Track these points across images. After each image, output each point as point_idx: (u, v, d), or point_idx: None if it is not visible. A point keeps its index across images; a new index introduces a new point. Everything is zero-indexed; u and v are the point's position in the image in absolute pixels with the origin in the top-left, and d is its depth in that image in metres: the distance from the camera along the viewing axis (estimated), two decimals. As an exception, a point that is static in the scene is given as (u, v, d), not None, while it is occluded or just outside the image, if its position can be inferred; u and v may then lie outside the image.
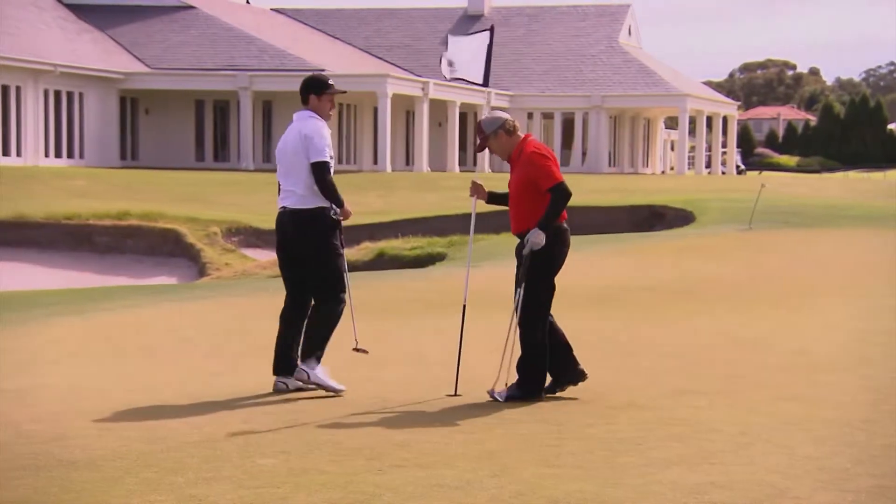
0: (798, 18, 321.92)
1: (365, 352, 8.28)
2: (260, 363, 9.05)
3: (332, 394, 7.71)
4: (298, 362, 7.79)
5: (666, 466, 5.93)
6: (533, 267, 7.50)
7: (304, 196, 7.88)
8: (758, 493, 5.48)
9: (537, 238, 7.39)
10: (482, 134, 7.67)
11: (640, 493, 5.48)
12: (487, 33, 8.60)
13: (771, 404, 7.38)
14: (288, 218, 7.92)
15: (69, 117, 41.51)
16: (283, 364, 7.91)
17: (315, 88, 7.94)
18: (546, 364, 7.62)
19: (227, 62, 45.70)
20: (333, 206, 7.83)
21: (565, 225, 7.60)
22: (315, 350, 7.78)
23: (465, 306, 8.05)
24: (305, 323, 7.93)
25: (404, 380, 8.31)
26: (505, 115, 7.77)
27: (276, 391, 7.88)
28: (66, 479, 5.78)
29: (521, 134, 7.73)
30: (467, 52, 8.59)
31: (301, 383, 7.76)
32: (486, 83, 8.46)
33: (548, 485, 5.62)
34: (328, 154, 7.87)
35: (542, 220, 7.41)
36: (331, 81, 8.03)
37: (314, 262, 7.84)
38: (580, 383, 7.74)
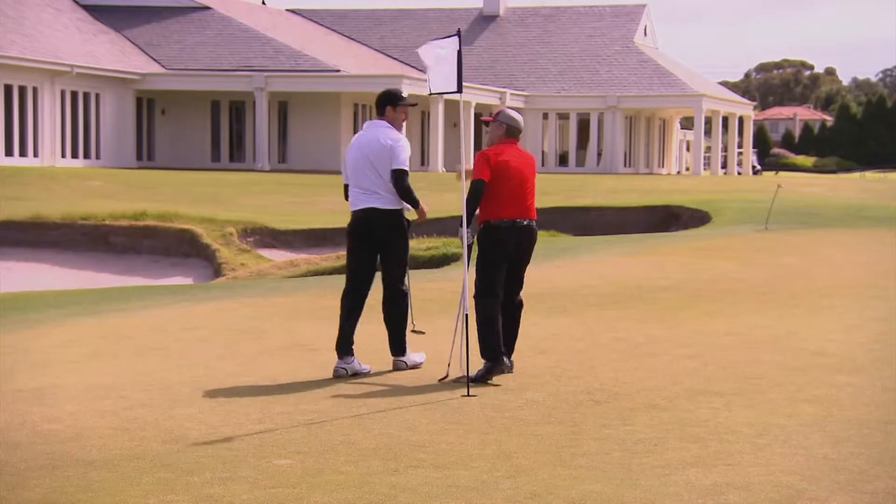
0: (814, 18, 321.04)
1: (422, 332, 9.03)
2: (276, 363, 9.06)
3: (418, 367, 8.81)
4: (394, 356, 8.84)
5: (683, 467, 5.91)
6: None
7: (385, 198, 8.66)
8: (775, 494, 5.45)
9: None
10: (495, 119, 8.69)
11: (657, 494, 5.46)
12: (455, 38, 8.42)
13: (789, 405, 7.35)
14: (370, 217, 8.69)
15: (86, 118, 41.64)
16: (345, 347, 8.65)
17: (392, 101, 8.76)
18: (488, 331, 8.41)
19: (243, 63, 45.79)
20: (408, 207, 8.74)
21: (494, 223, 8.48)
22: (403, 341, 8.85)
23: (466, 315, 8.31)
24: (390, 321, 8.88)
25: (420, 379, 8.31)
26: (517, 123, 8.72)
27: (336, 376, 8.49)
28: (84, 479, 5.79)
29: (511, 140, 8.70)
30: (440, 62, 8.46)
31: (357, 369, 8.58)
32: (459, 89, 8.32)
33: (564, 485, 5.60)
34: (407, 162, 8.72)
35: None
36: (405, 94, 8.90)
37: (390, 256, 8.78)
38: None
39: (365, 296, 8.90)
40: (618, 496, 5.43)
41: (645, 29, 57.79)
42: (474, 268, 8.58)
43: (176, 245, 23.90)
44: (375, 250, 8.83)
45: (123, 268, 23.24)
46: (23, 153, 38.61)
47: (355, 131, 46.47)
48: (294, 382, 8.24)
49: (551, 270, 12.89)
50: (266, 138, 44.53)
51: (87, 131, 41.73)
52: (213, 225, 24.33)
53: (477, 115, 50.71)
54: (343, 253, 21.90)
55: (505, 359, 8.44)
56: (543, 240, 17.92)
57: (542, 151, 51.82)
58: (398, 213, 8.73)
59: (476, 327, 8.39)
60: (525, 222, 8.56)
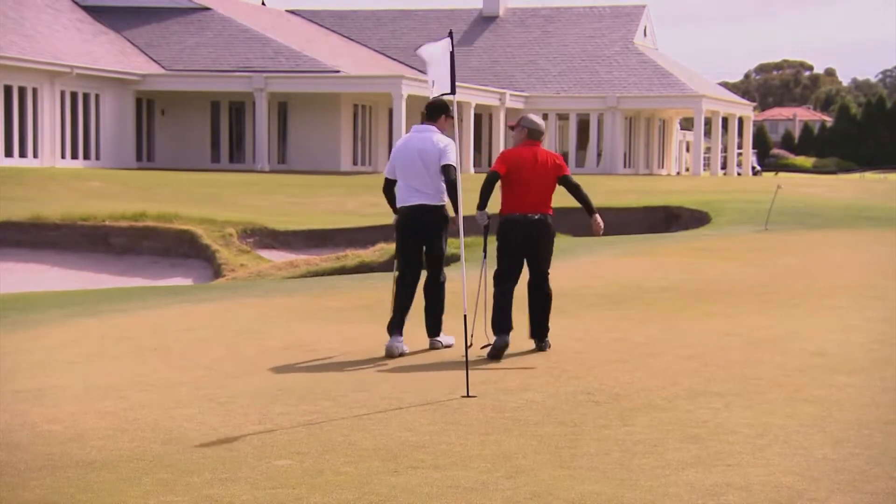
0: (814, 19, 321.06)
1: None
2: (275, 364, 9.06)
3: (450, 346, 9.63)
4: (430, 337, 9.70)
5: (682, 468, 5.91)
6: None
7: (431, 195, 9.56)
8: (775, 495, 5.46)
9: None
10: (518, 124, 9.66)
11: (657, 494, 5.47)
12: (448, 40, 8.49)
13: (788, 406, 7.35)
14: (418, 212, 9.56)
15: (85, 119, 41.65)
16: (398, 325, 9.47)
17: (448, 111, 9.75)
18: (497, 310, 9.35)
19: (243, 63, 45.79)
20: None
21: (507, 216, 9.43)
22: (439, 324, 9.73)
23: (465, 315, 8.49)
24: (429, 305, 9.68)
25: (419, 380, 8.31)
26: (537, 126, 9.66)
27: (388, 354, 9.24)
28: (83, 480, 5.79)
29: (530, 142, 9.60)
30: (435, 66, 8.51)
31: (402, 349, 9.35)
32: (453, 91, 8.44)
33: (564, 486, 5.60)
34: (456, 161, 9.55)
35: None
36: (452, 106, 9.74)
37: (435, 245, 9.67)
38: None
39: (416, 283, 9.73)
40: (617, 497, 5.43)
41: (645, 30, 57.79)
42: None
43: (176, 246, 23.90)
44: (421, 242, 9.68)
45: (123, 268, 23.24)
46: (22, 154, 38.61)
47: (355, 132, 46.67)
48: (294, 383, 8.24)
49: (551, 271, 12.88)
50: (266, 139, 44.52)
51: (86, 132, 41.73)
52: (212, 226, 24.33)
53: (477, 116, 50.74)
54: (343, 254, 21.92)
55: (506, 336, 9.20)
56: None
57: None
58: (442, 209, 9.61)
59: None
60: (536, 216, 9.40)
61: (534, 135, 9.62)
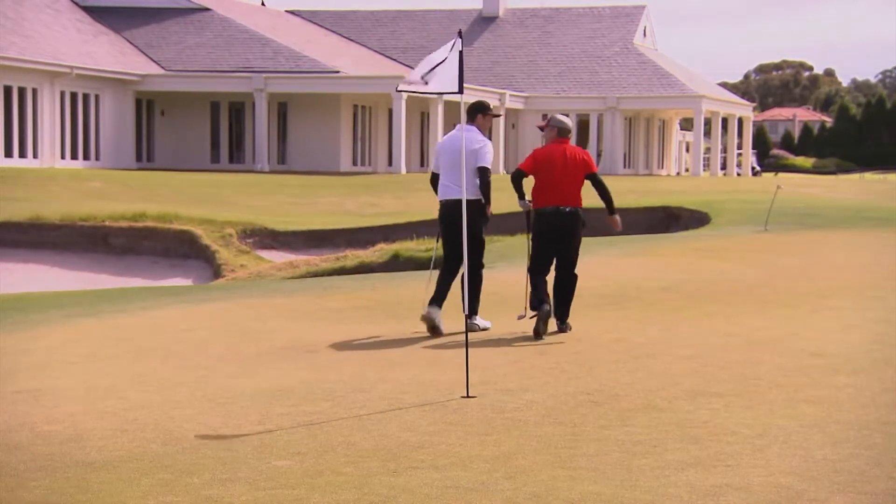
0: (813, 19, 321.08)
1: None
2: (275, 364, 9.06)
3: (487, 329, 10.50)
4: (468, 319, 10.04)
5: (682, 468, 5.91)
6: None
7: (471, 190, 10.27)
8: (774, 495, 5.46)
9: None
10: (547, 124, 10.51)
11: (656, 495, 5.47)
12: (458, 40, 8.51)
13: (788, 406, 7.35)
14: (456, 205, 10.11)
15: (85, 119, 41.66)
16: (440, 300, 10.45)
17: (483, 110, 10.64)
18: (534, 290, 10.29)
19: (243, 64, 45.80)
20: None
21: (540, 209, 10.38)
22: (477, 306, 10.57)
23: (465, 315, 9.14)
24: (468, 290, 10.24)
25: (419, 381, 8.31)
26: (564, 125, 10.56)
27: (426, 319, 10.24)
28: (83, 480, 5.79)
29: (557, 140, 10.50)
30: (443, 64, 8.52)
31: (439, 322, 10.29)
32: (460, 90, 8.48)
33: (563, 487, 5.60)
34: (491, 162, 10.53)
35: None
36: (491, 106, 10.85)
37: (472, 237, 10.15)
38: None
39: (459, 268, 10.57)
40: (617, 497, 5.43)
41: (644, 30, 57.80)
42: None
43: (175, 246, 23.90)
44: (460, 232, 10.07)
45: (123, 269, 23.25)
46: (22, 154, 38.62)
47: (355, 132, 46.66)
48: (293, 383, 8.23)
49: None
50: (265, 139, 44.53)
51: (86, 132, 41.74)
52: (212, 226, 24.33)
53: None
54: (342, 254, 21.93)
55: (545, 306, 10.12)
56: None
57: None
58: (479, 203, 10.39)
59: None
60: (567, 209, 10.31)
61: (563, 133, 10.49)
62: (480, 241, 10.61)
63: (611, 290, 13.34)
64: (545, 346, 9.70)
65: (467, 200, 10.01)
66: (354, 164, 46.43)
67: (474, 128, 10.56)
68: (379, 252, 21.56)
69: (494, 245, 19.01)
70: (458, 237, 10.08)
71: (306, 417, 7.14)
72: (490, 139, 10.66)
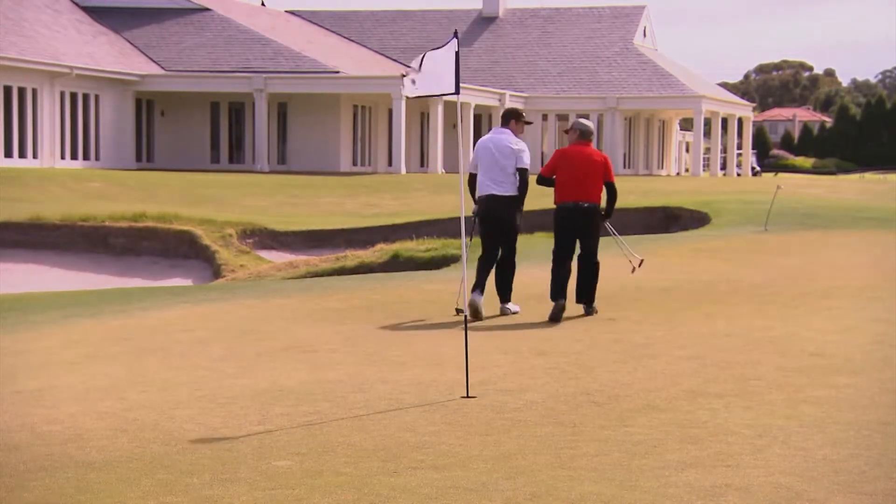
0: (813, 20, 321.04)
1: (460, 311, 11.25)
2: (275, 364, 9.06)
3: (516, 313, 11.57)
4: (501, 304, 11.63)
5: (682, 469, 5.91)
6: None
7: (506, 187, 11.44)
8: (774, 496, 5.46)
9: None
10: (571, 128, 11.60)
11: (656, 495, 5.47)
12: (454, 40, 8.52)
13: (788, 406, 7.35)
14: (497, 201, 11.44)
15: (85, 119, 41.64)
16: (481, 285, 11.39)
17: (517, 117, 11.82)
18: (554, 280, 11.39)
19: (243, 64, 45.79)
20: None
21: (561, 204, 11.40)
22: (509, 292, 11.71)
23: (466, 316, 8.99)
24: (500, 277, 11.60)
25: (419, 381, 8.31)
26: (586, 127, 11.60)
27: (471, 306, 11.06)
28: (83, 480, 5.79)
29: (579, 141, 11.53)
30: (439, 65, 8.52)
31: (479, 307, 11.22)
32: (457, 91, 8.48)
33: (563, 487, 5.60)
34: (528, 162, 11.61)
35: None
36: (524, 113, 12.14)
37: (510, 228, 11.54)
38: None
39: (495, 257, 11.63)
40: (617, 497, 5.43)
41: (644, 30, 57.79)
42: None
43: (175, 246, 23.90)
44: (497, 224, 11.55)
45: (123, 269, 23.24)
46: (22, 154, 38.60)
47: (354, 133, 46.66)
48: (293, 384, 8.23)
49: (546, 274, 12.93)
50: (265, 140, 44.52)
51: (86, 132, 41.72)
52: (212, 226, 24.33)
53: (476, 117, 50.76)
54: (342, 255, 21.91)
55: (562, 300, 11.15)
56: (542, 241, 17.93)
57: (542, 152, 51.77)
58: (514, 198, 11.46)
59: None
60: (586, 204, 11.35)
61: (584, 136, 11.53)
62: (515, 233, 11.65)
63: (610, 290, 13.33)
64: (545, 347, 9.70)
65: (505, 196, 11.41)
66: (354, 164, 46.42)
67: (508, 130, 11.65)
68: (379, 252, 21.55)
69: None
70: (495, 228, 11.44)
71: (306, 418, 7.14)
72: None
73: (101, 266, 23.41)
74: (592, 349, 9.60)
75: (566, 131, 11.72)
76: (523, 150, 11.55)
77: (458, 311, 11.39)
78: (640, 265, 12.41)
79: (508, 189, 11.42)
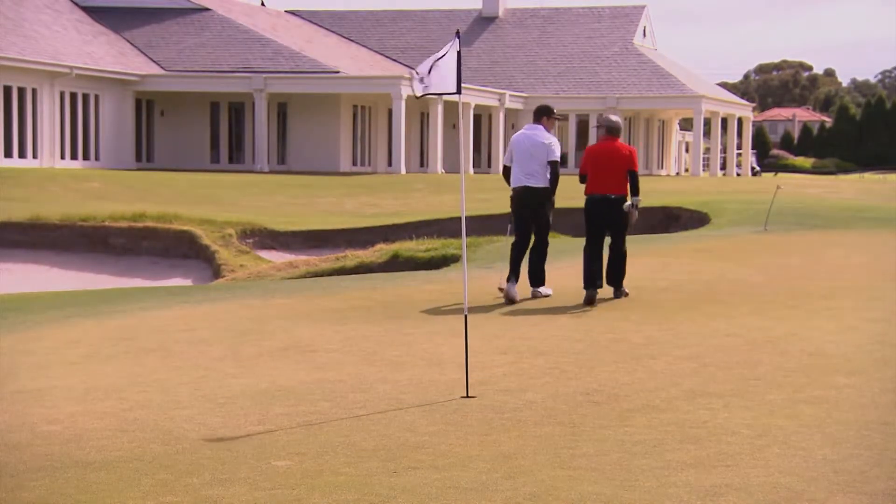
0: (813, 20, 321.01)
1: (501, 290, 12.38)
2: (275, 364, 9.06)
3: (548, 296, 12.43)
4: (532, 288, 12.49)
5: (681, 469, 5.91)
6: None
7: (539, 179, 12.29)
8: (774, 495, 5.46)
9: None
10: (599, 125, 12.49)
11: (656, 495, 5.47)
12: (456, 40, 8.56)
13: (788, 406, 7.35)
14: (531, 192, 12.31)
15: (85, 119, 41.65)
16: (515, 274, 12.22)
17: (548, 113, 12.53)
18: (587, 268, 12.19)
19: (242, 64, 45.79)
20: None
21: (591, 196, 12.34)
22: (542, 276, 12.57)
23: (465, 316, 8.79)
24: (533, 262, 12.48)
25: (419, 381, 8.31)
26: (613, 124, 12.50)
27: (507, 297, 12.05)
28: (82, 480, 5.79)
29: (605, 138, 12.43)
30: (441, 66, 8.55)
31: (514, 294, 12.09)
32: (458, 90, 8.52)
33: (563, 487, 5.61)
34: (559, 156, 12.43)
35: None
36: (555, 109, 12.80)
37: (542, 218, 12.43)
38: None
39: (528, 245, 12.47)
40: (617, 497, 5.43)
41: (644, 30, 57.79)
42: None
43: (175, 246, 23.89)
44: (530, 214, 12.40)
45: (123, 269, 23.24)
46: (22, 154, 38.60)
47: (354, 132, 46.66)
48: (293, 384, 8.23)
49: (550, 272, 12.92)
50: (265, 139, 44.52)
51: (86, 132, 41.72)
52: (212, 226, 24.32)
53: (476, 117, 50.75)
54: (342, 255, 21.90)
55: (593, 289, 11.99)
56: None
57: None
58: (547, 190, 12.31)
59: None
60: (613, 196, 12.19)
61: (612, 132, 12.35)
62: (547, 222, 12.50)
63: (610, 290, 13.33)
64: (545, 346, 9.70)
65: (538, 188, 12.27)
66: (354, 164, 46.41)
67: (541, 126, 12.40)
68: (378, 252, 21.54)
69: (495, 245, 19.00)
70: (528, 217, 12.33)
71: (306, 417, 7.15)
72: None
73: (101, 266, 23.41)
74: (592, 349, 9.60)
75: (594, 128, 12.75)
76: (554, 144, 12.32)
77: (500, 289, 12.41)
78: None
79: (541, 181, 12.25)
